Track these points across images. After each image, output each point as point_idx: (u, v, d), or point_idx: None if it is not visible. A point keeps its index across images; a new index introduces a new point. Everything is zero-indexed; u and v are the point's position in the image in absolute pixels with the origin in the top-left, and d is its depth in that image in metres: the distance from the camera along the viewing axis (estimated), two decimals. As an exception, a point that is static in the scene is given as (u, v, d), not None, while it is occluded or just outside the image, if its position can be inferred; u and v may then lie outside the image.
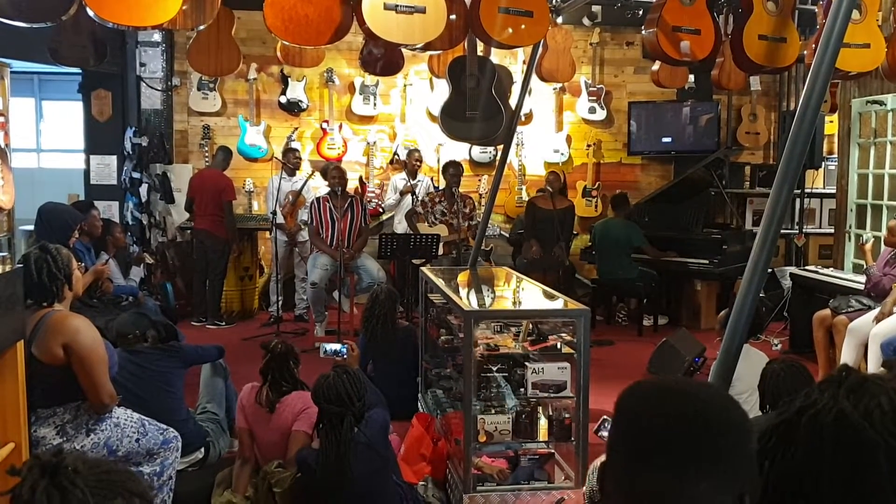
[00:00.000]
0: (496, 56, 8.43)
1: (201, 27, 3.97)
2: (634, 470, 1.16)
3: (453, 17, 4.24)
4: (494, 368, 3.87)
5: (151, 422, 3.48)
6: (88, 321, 3.25)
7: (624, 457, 1.18)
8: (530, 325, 3.99)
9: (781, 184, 2.21)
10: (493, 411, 3.74)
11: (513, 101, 5.64)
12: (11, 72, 13.22)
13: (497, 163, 5.67)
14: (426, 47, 4.25)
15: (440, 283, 4.55)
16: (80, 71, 8.45)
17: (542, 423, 3.81)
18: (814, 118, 2.18)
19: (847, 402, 1.15)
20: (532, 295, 4.59)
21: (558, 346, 3.90)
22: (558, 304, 4.09)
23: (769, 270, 8.08)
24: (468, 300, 4.15)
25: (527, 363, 3.72)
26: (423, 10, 3.95)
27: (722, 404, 1.18)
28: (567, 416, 3.72)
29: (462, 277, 5.08)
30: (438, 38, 4.11)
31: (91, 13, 3.49)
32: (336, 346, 4.21)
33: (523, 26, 4.40)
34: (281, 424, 3.71)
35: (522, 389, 3.68)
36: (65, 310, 3.27)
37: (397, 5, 3.92)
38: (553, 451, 3.86)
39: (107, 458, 1.21)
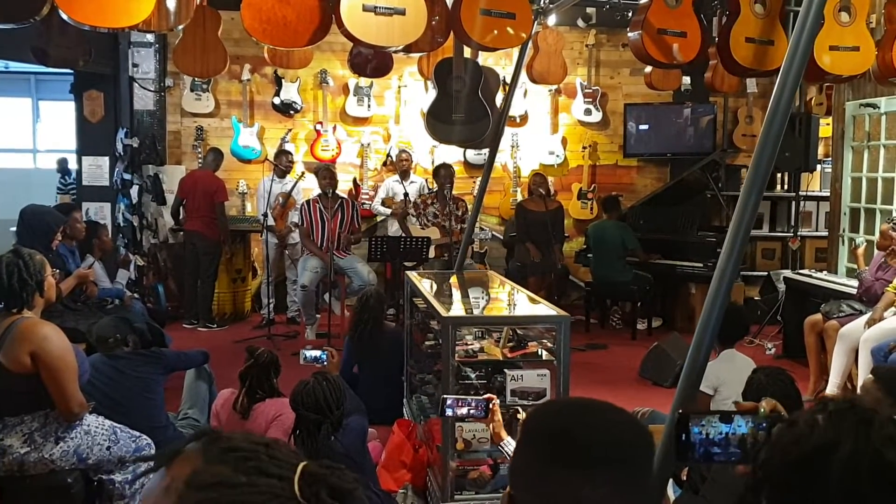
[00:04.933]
0: (492, 58, 8.45)
1: (178, 28, 3.92)
2: (556, 480, 1.18)
3: (436, 19, 4.19)
4: (473, 375, 3.81)
5: (123, 429, 3.43)
6: (57, 328, 3.20)
7: (546, 467, 1.20)
8: (510, 332, 3.94)
9: (750, 189, 2.16)
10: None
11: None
12: (8, 72, 13.29)
13: (484, 165, 5.61)
14: (407, 49, 4.20)
15: (422, 287, 4.51)
16: (72, 71, 8.41)
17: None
18: (783, 123, 2.13)
19: (886, 448, 1.13)
20: (513, 301, 4.54)
21: (539, 352, 3.85)
22: (539, 310, 4.02)
23: (765, 273, 8.17)
24: (448, 306, 4.09)
25: (506, 370, 3.66)
26: (402, 12, 3.91)
27: (633, 418, 1.27)
28: (547, 423, 3.66)
29: (447, 282, 5.03)
30: (419, 40, 4.06)
31: (64, 15, 3.45)
32: (316, 353, 4.17)
33: (509, 29, 4.36)
34: (254, 431, 3.66)
35: (502, 396, 3.63)
36: (34, 317, 3.21)
37: (376, 7, 3.87)
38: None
39: None
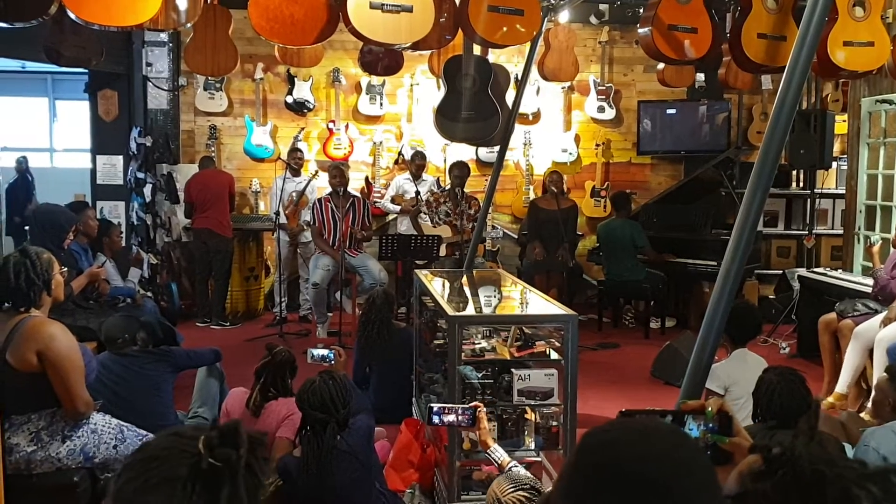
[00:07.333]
0: (505, 55, 8.42)
1: (187, 25, 3.92)
2: None
3: (444, 16, 4.17)
4: (480, 374, 3.79)
5: (131, 428, 3.43)
6: (64, 327, 3.21)
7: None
8: (518, 331, 3.91)
9: (755, 188, 2.12)
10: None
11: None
12: (25, 72, 13.37)
13: (494, 163, 5.58)
14: (415, 47, 4.18)
15: (431, 286, 4.49)
16: (87, 71, 8.46)
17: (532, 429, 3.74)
18: (788, 120, 2.10)
19: None
20: (522, 299, 4.51)
21: (547, 352, 3.82)
22: (546, 309, 3.99)
23: (780, 272, 8.09)
24: (455, 305, 4.07)
25: (513, 369, 3.64)
26: (409, 10, 3.89)
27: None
28: (554, 423, 3.64)
29: (456, 280, 5.01)
30: (427, 37, 4.04)
31: (71, 14, 3.45)
32: (324, 352, 4.16)
33: (517, 26, 4.33)
34: (264, 430, 3.66)
35: (508, 396, 3.61)
36: (42, 316, 3.22)
37: (383, 4, 3.85)
38: (541, 459, 3.78)
39: None
